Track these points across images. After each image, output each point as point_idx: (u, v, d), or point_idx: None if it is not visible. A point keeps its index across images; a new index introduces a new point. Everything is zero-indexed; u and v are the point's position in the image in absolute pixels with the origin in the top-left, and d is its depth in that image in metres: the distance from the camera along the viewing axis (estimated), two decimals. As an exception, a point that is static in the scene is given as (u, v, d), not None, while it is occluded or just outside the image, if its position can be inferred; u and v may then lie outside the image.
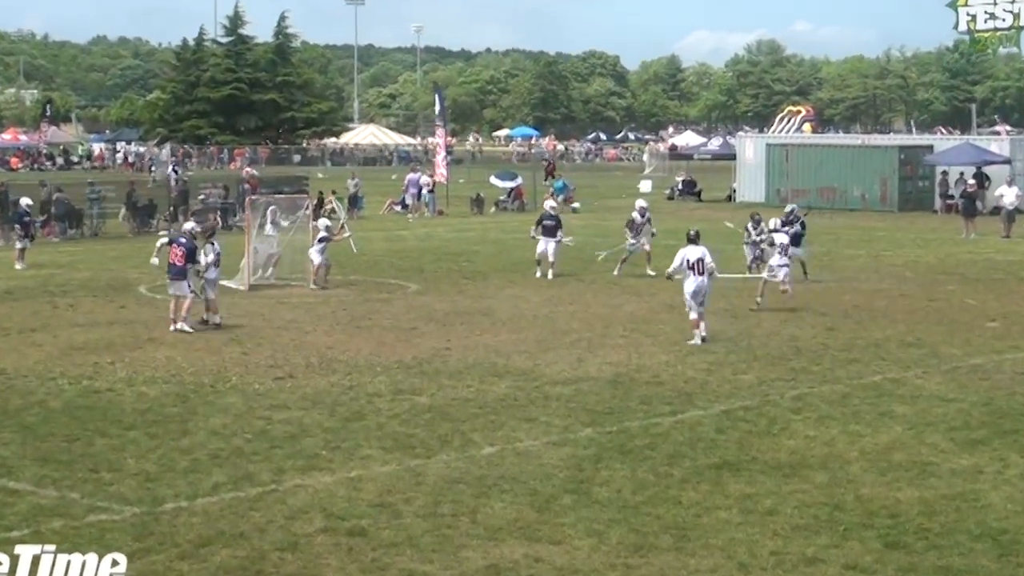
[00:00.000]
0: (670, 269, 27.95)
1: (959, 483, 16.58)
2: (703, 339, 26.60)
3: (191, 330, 27.66)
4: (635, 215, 37.84)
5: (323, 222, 36.25)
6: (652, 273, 35.91)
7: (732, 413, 20.50)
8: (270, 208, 36.51)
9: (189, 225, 30.68)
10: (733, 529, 14.73)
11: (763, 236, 35.01)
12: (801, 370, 23.89)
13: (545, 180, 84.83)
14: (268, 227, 36.07)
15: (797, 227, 35.25)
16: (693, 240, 27.45)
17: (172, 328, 27.68)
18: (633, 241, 37.56)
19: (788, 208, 36.89)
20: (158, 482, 16.45)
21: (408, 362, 24.58)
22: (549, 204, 42.03)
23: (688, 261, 27.02)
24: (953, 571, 13.43)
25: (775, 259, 31.86)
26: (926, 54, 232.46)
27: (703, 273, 26.91)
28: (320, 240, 34.89)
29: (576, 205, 68.30)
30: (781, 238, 32.29)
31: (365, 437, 18.83)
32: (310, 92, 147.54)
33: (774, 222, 34.78)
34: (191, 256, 28.08)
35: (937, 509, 15.46)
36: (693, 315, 26.96)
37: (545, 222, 38.02)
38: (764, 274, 32.32)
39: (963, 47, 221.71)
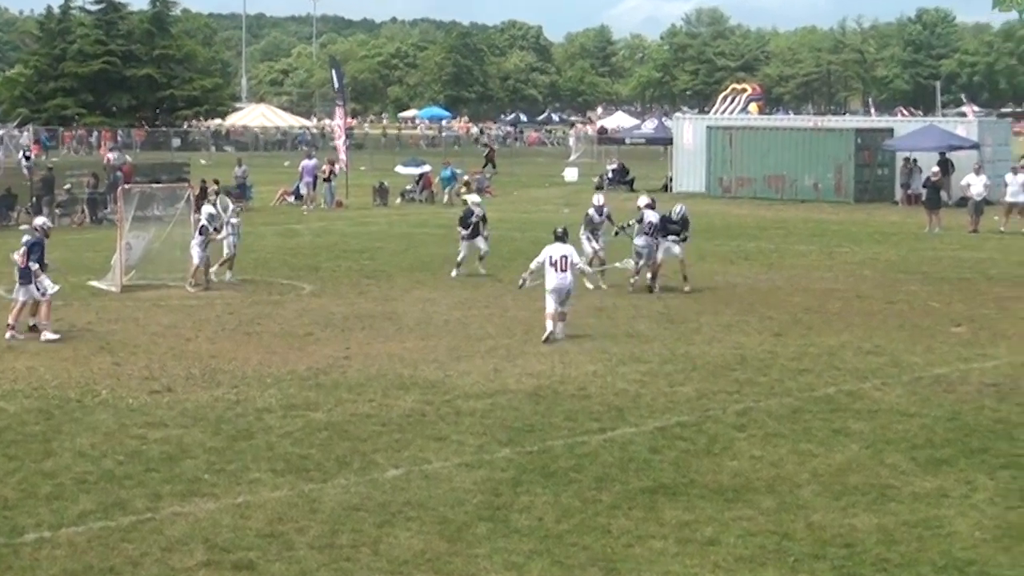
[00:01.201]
0: (531, 266, 29.05)
1: (921, 508, 16.70)
2: (552, 337, 27.56)
3: (55, 336, 27.47)
4: (591, 212, 36.66)
5: (207, 210, 36.06)
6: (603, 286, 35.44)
7: (668, 430, 20.55)
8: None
9: (40, 220, 30.53)
10: (669, 560, 14.78)
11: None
12: (746, 382, 24.00)
13: (484, 168, 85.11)
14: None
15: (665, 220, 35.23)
16: (560, 238, 28.77)
17: (7, 336, 27.52)
18: (597, 246, 36.32)
19: (677, 208, 36.17)
20: (17, 510, 16.31)
21: (302, 373, 24.52)
22: (473, 199, 41.78)
23: (551, 259, 28.13)
24: (915, 606, 13.57)
25: (639, 239, 33.72)
26: (886, 26, 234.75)
27: (566, 270, 28.05)
28: (201, 231, 34.72)
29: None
30: (651, 216, 34.01)
31: (253, 458, 18.76)
32: (192, 67, 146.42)
33: (643, 200, 35.35)
34: (34, 254, 27.87)
35: (897, 538, 15.58)
36: (550, 309, 27.97)
37: (471, 220, 37.96)
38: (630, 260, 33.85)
39: (926, 17, 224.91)
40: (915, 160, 64.99)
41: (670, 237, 34.52)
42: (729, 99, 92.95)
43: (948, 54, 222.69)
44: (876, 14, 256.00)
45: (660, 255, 34.30)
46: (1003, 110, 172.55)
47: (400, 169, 75.06)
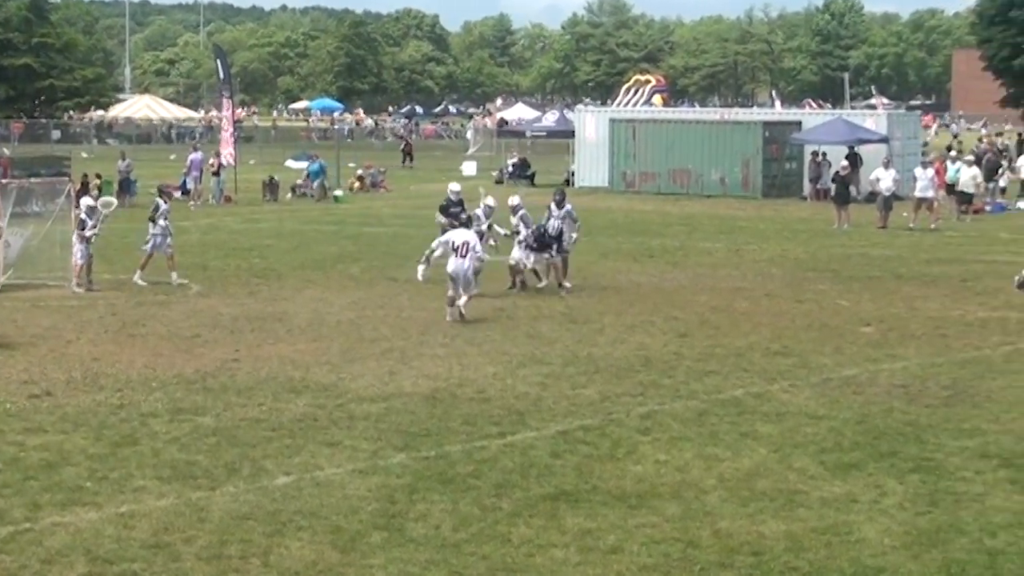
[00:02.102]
0: (432, 245, 31.22)
1: (830, 514, 16.81)
2: (460, 316, 29.54)
3: None
4: (478, 211, 35.54)
5: (86, 202, 35.76)
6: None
7: (570, 434, 20.57)
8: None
9: None
10: (570, 570, 14.79)
11: (563, 218, 35.15)
12: (650, 384, 24.05)
13: (403, 164, 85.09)
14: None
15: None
16: (464, 224, 31.55)
17: None
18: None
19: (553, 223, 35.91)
20: None
21: (189, 376, 24.37)
22: (453, 187, 40.04)
23: (454, 243, 30.08)
24: (822, 615, 13.66)
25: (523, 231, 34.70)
26: (793, 15, 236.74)
27: (465, 256, 29.71)
28: (81, 226, 34.45)
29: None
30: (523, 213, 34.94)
31: (138, 465, 18.62)
32: (72, 57, 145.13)
33: (515, 199, 36.16)
34: None
35: (805, 545, 15.66)
36: (450, 292, 29.61)
37: (452, 209, 37.08)
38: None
39: (834, 7, 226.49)
40: (824, 154, 65.47)
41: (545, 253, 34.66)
42: (632, 91, 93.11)
43: (856, 45, 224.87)
44: (784, 3, 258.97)
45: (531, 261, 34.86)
46: (912, 103, 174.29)
47: (291, 163, 75.00)
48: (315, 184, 67.00)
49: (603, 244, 45.47)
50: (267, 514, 16.50)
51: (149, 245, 36.23)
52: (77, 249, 34.43)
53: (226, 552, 15.14)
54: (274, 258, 41.68)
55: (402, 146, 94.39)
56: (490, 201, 35.97)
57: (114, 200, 40.90)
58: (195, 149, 68.93)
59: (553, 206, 35.30)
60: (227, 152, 67.46)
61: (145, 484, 17.75)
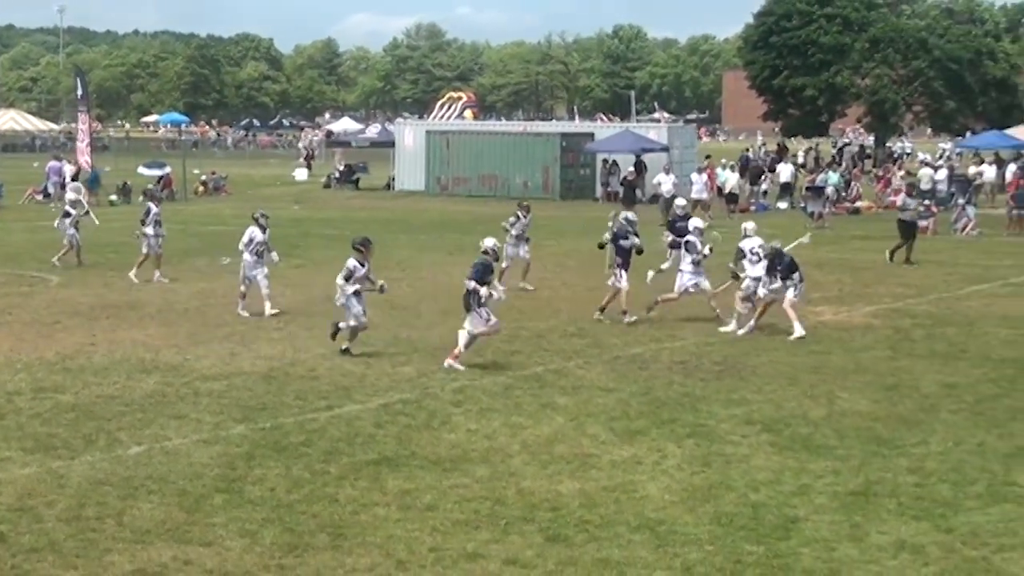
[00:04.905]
0: (239, 247, 30.06)
1: (618, 474, 16.95)
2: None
3: None
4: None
5: None
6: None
7: (391, 407, 20.57)
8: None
9: None
10: (391, 526, 14.78)
11: (524, 230, 34.74)
12: (464, 362, 24.06)
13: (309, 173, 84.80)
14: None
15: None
16: (262, 227, 29.98)
17: None
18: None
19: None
20: None
21: (50, 359, 24.02)
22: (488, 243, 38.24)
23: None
24: (612, 563, 13.72)
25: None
26: (587, 40, 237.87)
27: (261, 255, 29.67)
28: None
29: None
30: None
31: (4, 438, 18.32)
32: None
33: (515, 220, 35.14)
34: None
35: (597, 501, 15.79)
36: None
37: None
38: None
39: (622, 33, 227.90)
40: (614, 161, 66.07)
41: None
42: (446, 106, 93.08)
43: (641, 66, 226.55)
44: (578, 30, 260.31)
45: None
46: (689, 117, 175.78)
47: (142, 170, 73.99)
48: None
49: (421, 241, 45.53)
50: (121, 480, 16.31)
51: (144, 247, 35.50)
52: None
53: (84, 514, 14.94)
54: (127, 253, 40.94)
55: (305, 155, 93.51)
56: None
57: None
58: (56, 158, 67.89)
59: (520, 213, 35.18)
60: (84, 160, 66.70)
61: (11, 455, 17.47)
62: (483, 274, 23.93)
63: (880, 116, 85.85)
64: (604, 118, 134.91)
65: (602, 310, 29.21)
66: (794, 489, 16.35)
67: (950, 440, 18.80)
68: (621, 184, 59.57)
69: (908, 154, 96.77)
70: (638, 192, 58.01)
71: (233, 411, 20.19)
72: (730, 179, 61.29)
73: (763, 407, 20.81)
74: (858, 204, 62.78)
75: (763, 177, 67.31)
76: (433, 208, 60.26)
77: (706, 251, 29.03)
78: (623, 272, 29.06)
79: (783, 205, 63.42)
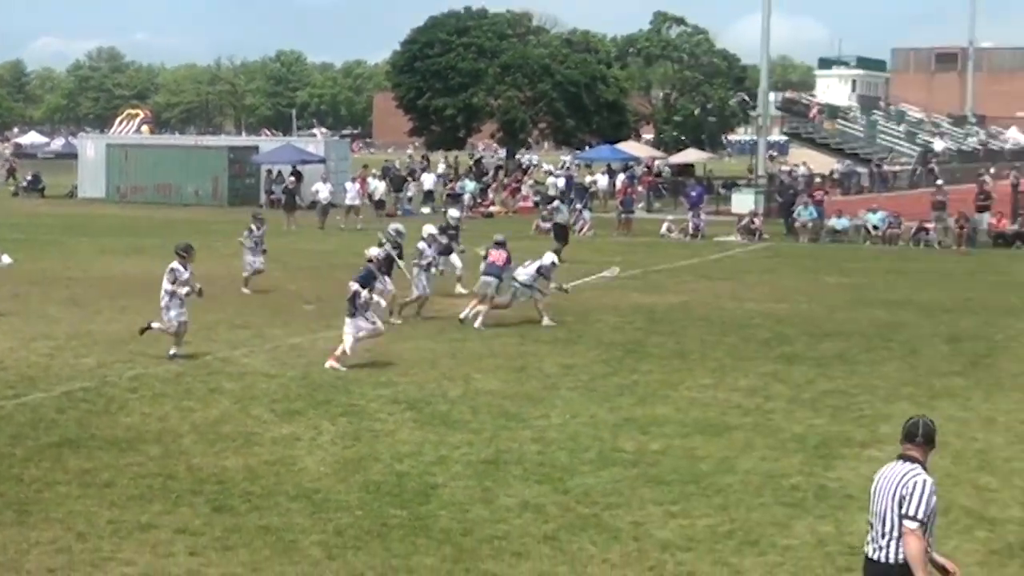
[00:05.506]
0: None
1: (279, 450, 16.90)
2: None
3: None
4: None
5: None
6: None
7: (73, 394, 20.04)
8: None
9: None
10: (72, 502, 14.44)
11: (258, 241, 32.90)
12: (138, 352, 23.60)
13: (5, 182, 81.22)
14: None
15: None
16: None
17: None
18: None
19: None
20: None
21: None
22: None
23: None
24: (272, 529, 13.67)
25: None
26: (253, 63, 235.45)
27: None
28: None
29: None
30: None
31: None
32: None
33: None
34: None
35: (260, 474, 15.71)
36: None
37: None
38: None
39: (284, 57, 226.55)
40: (278, 171, 65.60)
41: None
42: (125, 122, 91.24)
43: (302, 87, 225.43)
44: (245, 54, 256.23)
45: None
46: (343, 132, 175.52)
47: None
48: None
49: (102, 243, 44.46)
50: None
51: None
52: None
53: None
54: None
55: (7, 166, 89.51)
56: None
57: None
58: None
59: (255, 225, 33.25)
60: None
61: None
62: (368, 279, 23.20)
63: (511, 132, 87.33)
64: (268, 133, 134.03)
65: (417, 312, 28.81)
66: (434, 459, 16.54)
67: (568, 413, 19.29)
68: (283, 192, 59.17)
69: (535, 165, 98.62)
70: (298, 199, 57.70)
71: (-76, 401, 19.42)
72: (379, 187, 61.59)
73: (407, 388, 20.97)
74: (491, 209, 63.80)
75: (406, 185, 67.86)
76: (113, 214, 58.88)
77: (429, 255, 28.69)
78: (388, 279, 27.59)
79: (426, 210, 63.95)
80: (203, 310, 28.79)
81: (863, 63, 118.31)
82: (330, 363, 22.52)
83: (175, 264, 23.34)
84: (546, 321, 27.79)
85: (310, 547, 13.15)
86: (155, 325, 23.52)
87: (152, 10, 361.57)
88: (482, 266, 28.64)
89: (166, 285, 23.29)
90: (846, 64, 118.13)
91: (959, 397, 20.79)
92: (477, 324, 27.19)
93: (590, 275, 32.57)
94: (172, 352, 23.15)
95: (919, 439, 9.55)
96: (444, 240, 31.44)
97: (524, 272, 28.45)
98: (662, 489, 15.32)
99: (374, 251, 25.68)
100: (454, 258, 32.35)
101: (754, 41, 65.98)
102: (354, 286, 22.93)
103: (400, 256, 29.13)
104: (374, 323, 23.22)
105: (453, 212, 36.16)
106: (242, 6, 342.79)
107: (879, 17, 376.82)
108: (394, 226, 29.93)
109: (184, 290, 23.20)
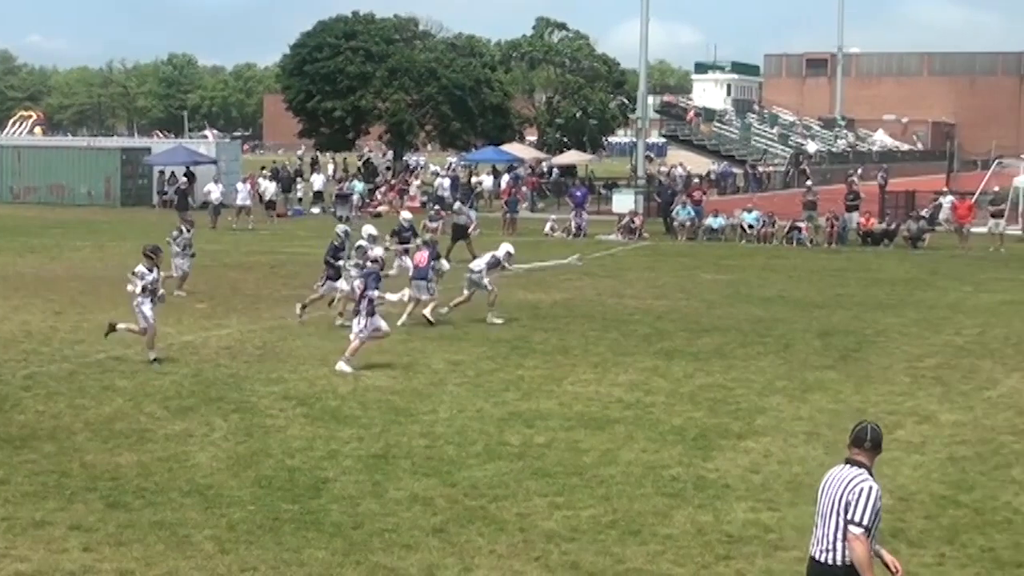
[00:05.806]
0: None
1: (172, 446, 16.71)
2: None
3: None
4: None
5: None
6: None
7: (-34, 394, 19.67)
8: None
9: None
10: (-35, 501, 14.16)
11: (189, 247, 31.89)
12: (32, 351, 23.28)
13: None
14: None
15: None
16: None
17: None
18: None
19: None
20: None
21: None
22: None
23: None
24: (166, 524, 13.50)
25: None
26: (145, 66, 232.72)
27: None
28: None
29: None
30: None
31: None
32: None
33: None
34: None
35: (153, 470, 15.53)
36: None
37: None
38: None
39: (175, 60, 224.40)
40: (170, 172, 64.96)
41: None
42: (18, 124, 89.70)
43: (193, 90, 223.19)
44: (137, 57, 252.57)
45: None
46: (235, 134, 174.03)
47: None
48: None
49: (-6, 243, 43.69)
50: None
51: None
52: None
53: None
54: None
55: None
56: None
57: None
58: None
59: (184, 227, 32.06)
60: None
61: None
62: (375, 281, 22.65)
63: (398, 134, 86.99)
64: (160, 135, 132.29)
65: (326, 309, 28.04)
66: (324, 454, 16.45)
67: (455, 408, 19.28)
68: (175, 193, 58.58)
69: (422, 167, 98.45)
70: (190, 199, 57.17)
71: None
72: (269, 188, 61.18)
73: (298, 384, 20.85)
74: (380, 208, 63.56)
75: (295, 185, 67.49)
76: (6, 214, 57.82)
77: (376, 255, 28.05)
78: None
79: (316, 210, 63.66)
80: (97, 309, 28.48)
81: (737, 68, 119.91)
82: (340, 365, 21.99)
83: (140, 267, 22.67)
84: (491, 318, 27.69)
85: (203, 541, 13.01)
86: (121, 326, 22.92)
87: (45, 13, 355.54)
88: (410, 271, 28.48)
89: (134, 287, 22.58)
90: (721, 69, 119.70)
91: (831, 390, 21.08)
92: (401, 321, 26.64)
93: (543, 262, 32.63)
94: (152, 357, 22.43)
95: (867, 444, 9.51)
96: (398, 243, 32.22)
97: (477, 263, 28.53)
98: (547, 481, 15.37)
99: (378, 251, 25.52)
100: (406, 259, 31.96)
101: (633, 46, 66.15)
102: (371, 294, 22.33)
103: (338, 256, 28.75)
104: (379, 326, 22.76)
105: (405, 214, 36.02)
106: (134, 10, 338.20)
107: (752, 22, 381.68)
108: (342, 227, 29.56)
109: (138, 287, 22.42)
